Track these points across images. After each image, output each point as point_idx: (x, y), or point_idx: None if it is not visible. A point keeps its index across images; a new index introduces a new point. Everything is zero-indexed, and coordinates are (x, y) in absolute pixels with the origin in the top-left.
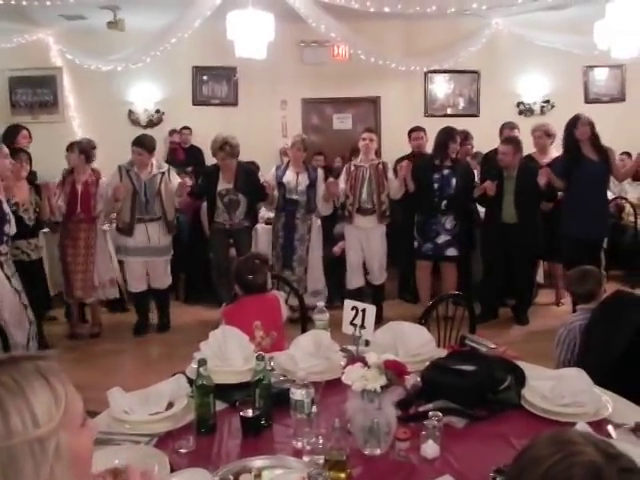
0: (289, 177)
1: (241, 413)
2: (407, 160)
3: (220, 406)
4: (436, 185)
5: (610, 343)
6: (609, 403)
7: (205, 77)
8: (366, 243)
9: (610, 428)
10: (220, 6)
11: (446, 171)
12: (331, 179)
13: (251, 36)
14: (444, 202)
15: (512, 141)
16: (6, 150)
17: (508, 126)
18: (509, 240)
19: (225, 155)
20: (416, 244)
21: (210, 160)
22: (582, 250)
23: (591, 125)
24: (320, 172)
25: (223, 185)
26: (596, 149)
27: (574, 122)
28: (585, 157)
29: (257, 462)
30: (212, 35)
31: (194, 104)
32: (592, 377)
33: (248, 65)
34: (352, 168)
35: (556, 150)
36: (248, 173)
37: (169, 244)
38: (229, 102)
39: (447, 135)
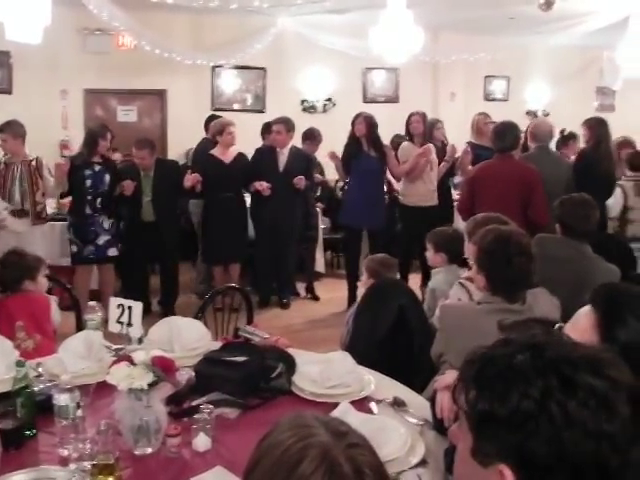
0: None
1: (0, 425)
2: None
3: None
4: (89, 182)
5: (376, 325)
6: (372, 382)
7: None
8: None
9: (372, 404)
10: None
11: (97, 167)
12: None
13: (23, 18)
14: (99, 200)
15: (147, 145)
16: None
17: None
18: (148, 238)
19: None
20: (75, 248)
21: None
22: (359, 239)
23: (368, 123)
24: None
25: None
26: (374, 146)
27: (354, 120)
28: (363, 152)
29: (16, 477)
30: None
31: None
32: (360, 358)
33: (24, 50)
34: (1, 166)
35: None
36: None
37: None
38: (3, 90)
39: (95, 133)
